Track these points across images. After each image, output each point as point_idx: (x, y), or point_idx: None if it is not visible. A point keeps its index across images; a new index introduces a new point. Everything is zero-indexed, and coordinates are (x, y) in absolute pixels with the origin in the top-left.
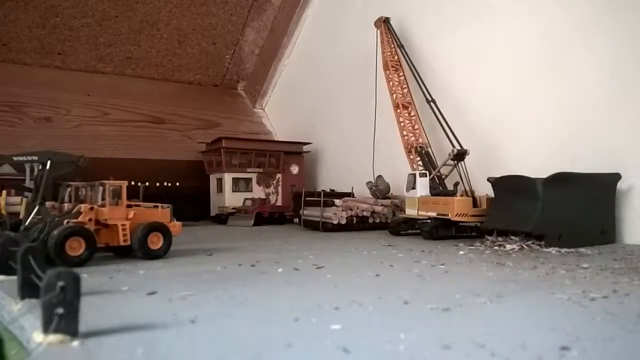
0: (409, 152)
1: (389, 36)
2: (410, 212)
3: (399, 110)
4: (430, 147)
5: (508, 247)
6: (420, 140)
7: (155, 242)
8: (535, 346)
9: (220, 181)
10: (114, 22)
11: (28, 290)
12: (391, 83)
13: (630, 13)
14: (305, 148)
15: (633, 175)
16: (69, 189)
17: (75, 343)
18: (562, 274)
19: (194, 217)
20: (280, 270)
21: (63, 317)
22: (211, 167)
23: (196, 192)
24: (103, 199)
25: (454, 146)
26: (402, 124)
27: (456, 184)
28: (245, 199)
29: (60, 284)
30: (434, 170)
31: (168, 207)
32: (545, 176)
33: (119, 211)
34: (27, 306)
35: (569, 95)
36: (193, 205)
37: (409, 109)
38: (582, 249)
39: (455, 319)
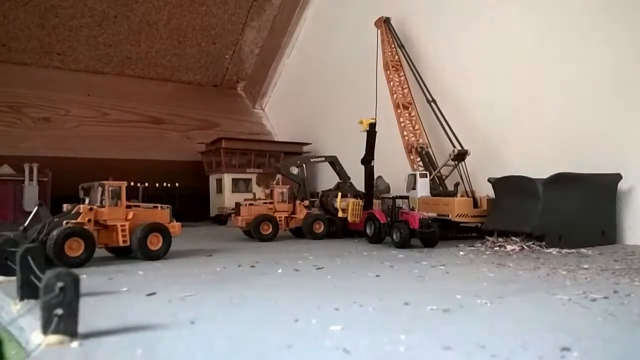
0: (409, 152)
1: (390, 36)
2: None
3: (399, 111)
4: (430, 147)
5: (509, 247)
6: (420, 140)
7: (155, 242)
8: (536, 347)
9: (219, 182)
10: (114, 22)
11: (27, 291)
12: (392, 83)
13: (630, 14)
14: (305, 148)
15: (634, 175)
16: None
17: (75, 344)
18: (563, 275)
19: (193, 218)
20: (280, 271)
21: (62, 318)
22: (211, 168)
23: (196, 193)
24: (103, 199)
25: (454, 146)
26: (402, 124)
27: (457, 185)
28: (245, 200)
29: (60, 284)
30: (434, 170)
31: (167, 207)
32: (545, 177)
33: (118, 212)
34: (26, 307)
35: (570, 96)
36: (193, 205)
37: (410, 109)
38: (582, 250)
39: (455, 319)
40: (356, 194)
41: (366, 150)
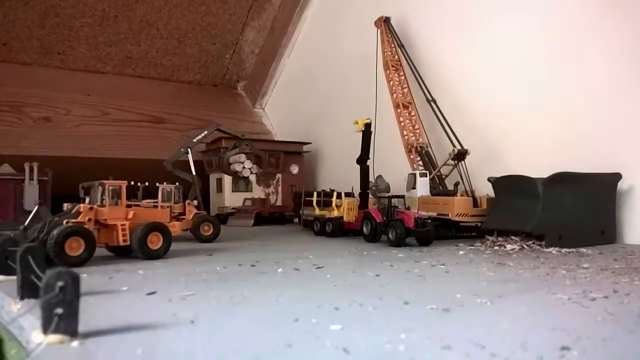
0: (409, 151)
1: (390, 36)
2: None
3: (399, 110)
4: (430, 146)
5: (508, 247)
6: (420, 140)
7: (155, 242)
8: (536, 346)
9: (220, 181)
10: (114, 22)
11: (27, 290)
12: (391, 83)
13: (630, 13)
14: (305, 148)
15: (633, 175)
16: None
17: (75, 343)
18: (563, 274)
19: None
20: (280, 270)
21: (62, 317)
22: (211, 167)
23: None
24: (103, 198)
25: (454, 146)
26: (402, 123)
27: (456, 184)
28: (245, 199)
29: (60, 284)
30: (434, 170)
31: (168, 207)
32: (545, 176)
33: (118, 211)
34: (26, 306)
35: (570, 95)
36: None
37: (409, 108)
38: (582, 249)
39: (455, 319)
40: (256, 154)
41: (362, 150)
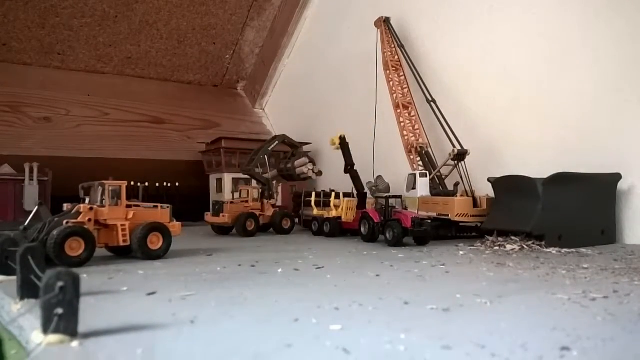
0: (409, 152)
1: (390, 36)
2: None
3: (399, 110)
4: (430, 147)
5: (508, 247)
6: (420, 140)
7: (155, 242)
8: (536, 346)
9: (220, 181)
10: (114, 22)
11: (27, 290)
12: (391, 83)
13: (630, 13)
14: (305, 148)
15: (633, 175)
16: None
17: (75, 343)
18: (563, 274)
19: (193, 218)
20: (280, 270)
21: (62, 318)
22: (211, 167)
23: (196, 193)
24: (103, 199)
25: (454, 146)
26: (402, 124)
27: (456, 184)
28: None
29: (60, 284)
30: (434, 170)
31: (168, 207)
32: (545, 176)
33: (118, 211)
34: (26, 306)
35: (570, 95)
36: (193, 205)
37: (409, 109)
38: (582, 249)
39: (455, 319)
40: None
41: (345, 161)
